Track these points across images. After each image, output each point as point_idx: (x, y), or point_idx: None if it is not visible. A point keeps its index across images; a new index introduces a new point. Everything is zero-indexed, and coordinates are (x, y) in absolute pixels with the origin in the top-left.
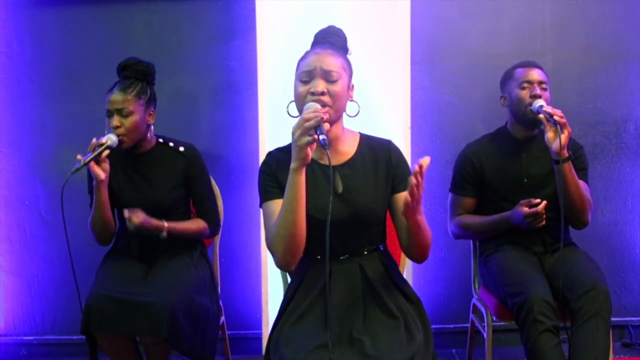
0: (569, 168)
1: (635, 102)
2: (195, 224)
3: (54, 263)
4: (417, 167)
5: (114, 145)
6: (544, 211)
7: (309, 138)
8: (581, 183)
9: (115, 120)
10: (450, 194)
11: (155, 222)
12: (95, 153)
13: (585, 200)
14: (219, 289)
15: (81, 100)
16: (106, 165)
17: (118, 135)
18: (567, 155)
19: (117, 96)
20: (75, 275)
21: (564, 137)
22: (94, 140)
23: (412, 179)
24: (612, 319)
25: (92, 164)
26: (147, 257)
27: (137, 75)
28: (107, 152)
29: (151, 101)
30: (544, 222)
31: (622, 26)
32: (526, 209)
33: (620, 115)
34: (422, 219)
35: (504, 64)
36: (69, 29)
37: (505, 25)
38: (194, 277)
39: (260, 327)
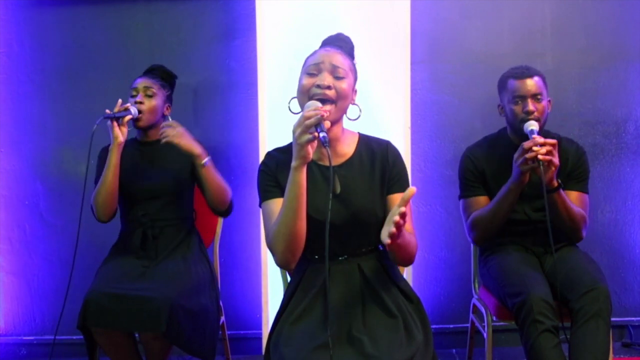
0: (558, 196)
1: (635, 102)
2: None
3: (54, 263)
4: (401, 209)
5: (135, 115)
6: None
7: (309, 136)
8: (578, 195)
9: (140, 97)
10: (460, 202)
11: (197, 145)
12: (122, 110)
13: (578, 220)
14: (219, 289)
15: (81, 100)
16: (125, 130)
17: (138, 111)
18: (555, 185)
19: (146, 79)
20: (71, 273)
21: (550, 172)
22: (120, 100)
23: (397, 218)
24: (612, 319)
25: (115, 124)
26: (147, 250)
27: (161, 74)
28: (129, 116)
29: (170, 98)
30: (540, 157)
31: (622, 26)
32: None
33: (620, 115)
34: (403, 237)
35: (504, 64)
36: (69, 29)
37: (505, 25)
38: (193, 275)
39: (260, 327)
